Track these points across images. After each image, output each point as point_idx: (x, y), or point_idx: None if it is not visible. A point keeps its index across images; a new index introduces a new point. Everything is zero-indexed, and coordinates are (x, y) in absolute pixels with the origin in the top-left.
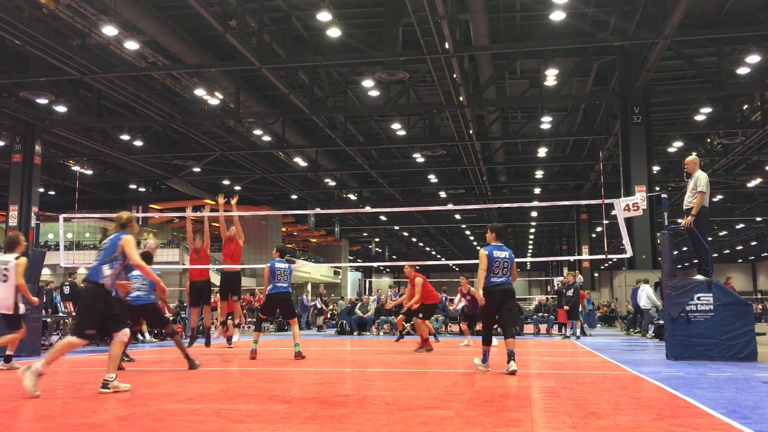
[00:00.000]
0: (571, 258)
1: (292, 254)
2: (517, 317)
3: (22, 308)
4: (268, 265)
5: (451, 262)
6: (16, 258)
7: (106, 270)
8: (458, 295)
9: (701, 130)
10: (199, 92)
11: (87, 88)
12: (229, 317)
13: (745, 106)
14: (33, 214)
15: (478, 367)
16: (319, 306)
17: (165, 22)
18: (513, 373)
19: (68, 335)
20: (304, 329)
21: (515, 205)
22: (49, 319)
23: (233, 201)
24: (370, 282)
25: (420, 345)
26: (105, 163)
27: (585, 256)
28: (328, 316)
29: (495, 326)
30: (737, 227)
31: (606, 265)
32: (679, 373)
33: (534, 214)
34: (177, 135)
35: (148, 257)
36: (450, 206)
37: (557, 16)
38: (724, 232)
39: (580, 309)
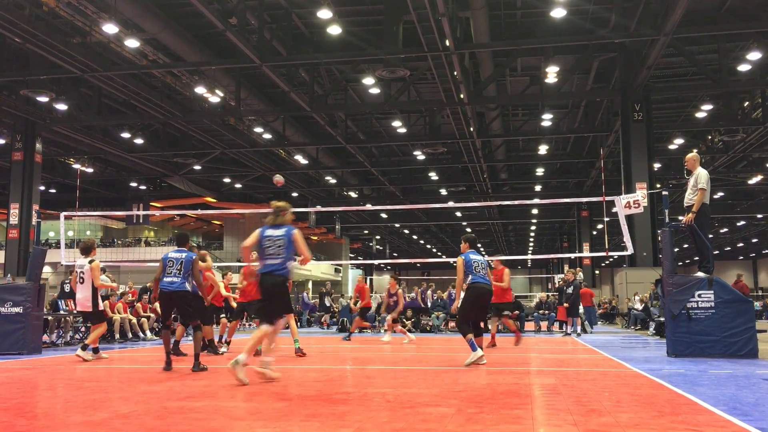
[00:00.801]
0: (572, 255)
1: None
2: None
3: (101, 305)
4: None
5: (451, 260)
6: (90, 262)
7: (291, 264)
8: (384, 293)
9: (702, 127)
10: (200, 90)
11: (87, 86)
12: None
13: (746, 103)
14: (34, 212)
15: (473, 359)
16: (327, 304)
17: (165, 19)
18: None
19: (263, 325)
20: (305, 327)
21: (516, 202)
22: (50, 317)
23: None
24: (371, 280)
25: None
26: (106, 161)
27: (586, 253)
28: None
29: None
30: (738, 224)
31: (607, 262)
32: (680, 370)
33: (535, 211)
34: (177, 133)
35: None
36: (451, 203)
37: (558, 13)
38: (725, 229)
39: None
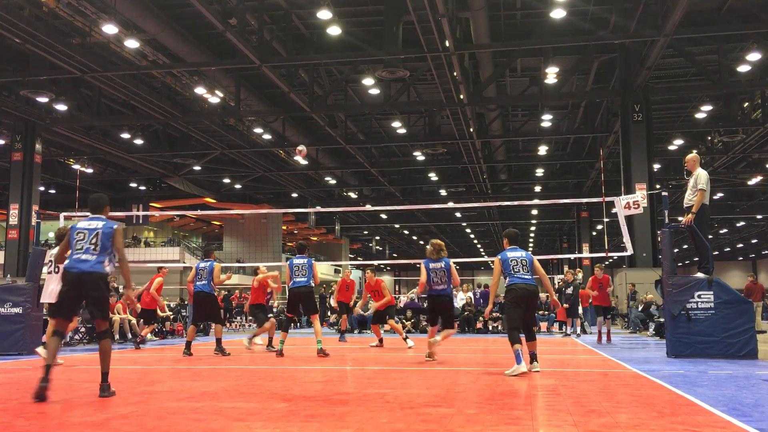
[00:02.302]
0: (572, 256)
1: (292, 253)
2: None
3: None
4: (287, 263)
5: (451, 260)
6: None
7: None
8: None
9: (702, 127)
10: (200, 90)
11: (87, 87)
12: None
13: (746, 104)
14: (33, 213)
15: (515, 372)
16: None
17: (165, 20)
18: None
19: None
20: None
21: (516, 203)
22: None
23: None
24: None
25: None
26: (105, 161)
27: (585, 254)
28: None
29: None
30: (738, 225)
31: (606, 263)
32: (680, 370)
33: (534, 212)
34: (177, 133)
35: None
36: (450, 204)
37: (558, 13)
38: (725, 230)
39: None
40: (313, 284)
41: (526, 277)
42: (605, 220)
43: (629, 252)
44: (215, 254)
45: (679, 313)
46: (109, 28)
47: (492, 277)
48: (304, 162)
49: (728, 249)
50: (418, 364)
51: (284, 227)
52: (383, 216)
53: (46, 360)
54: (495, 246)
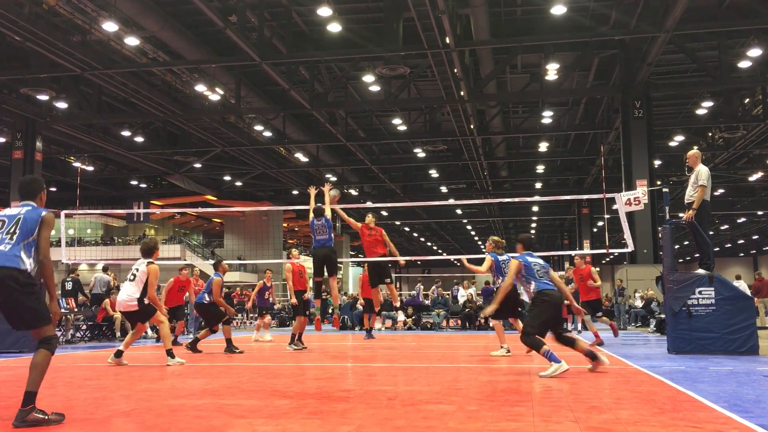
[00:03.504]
0: (573, 252)
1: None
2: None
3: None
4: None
5: (452, 257)
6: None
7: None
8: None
9: (702, 124)
10: (200, 88)
11: (87, 85)
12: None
13: (747, 100)
14: None
15: (558, 371)
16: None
17: (165, 17)
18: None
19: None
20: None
21: (516, 199)
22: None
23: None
24: None
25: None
26: (106, 159)
27: (586, 250)
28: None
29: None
30: (738, 221)
31: (607, 259)
32: (681, 367)
33: (535, 208)
34: (178, 131)
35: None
36: (451, 201)
37: (558, 10)
38: (726, 226)
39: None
40: (333, 244)
41: (551, 284)
42: (606, 216)
43: (630, 248)
44: (224, 266)
45: (680, 310)
46: (109, 26)
47: (506, 278)
48: (304, 160)
49: (729, 245)
50: (420, 361)
51: (285, 224)
52: (384, 213)
53: None
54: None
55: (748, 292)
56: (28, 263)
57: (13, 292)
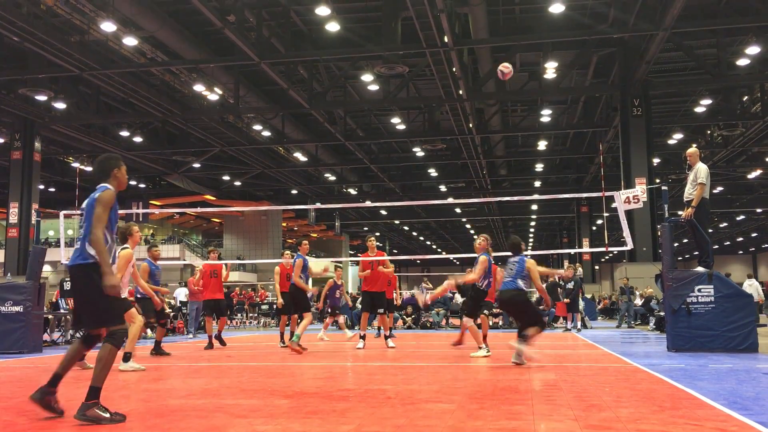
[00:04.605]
0: (572, 251)
1: (293, 249)
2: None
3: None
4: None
5: (452, 256)
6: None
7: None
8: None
9: (701, 121)
10: (198, 88)
11: (86, 85)
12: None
13: (745, 98)
14: (33, 211)
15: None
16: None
17: (163, 17)
18: None
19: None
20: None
21: (515, 198)
22: (50, 316)
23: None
24: None
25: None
26: None
27: (586, 248)
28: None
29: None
30: (738, 219)
31: (607, 257)
32: (680, 364)
33: (534, 207)
34: (176, 131)
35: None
36: (450, 200)
37: (556, 8)
38: (725, 224)
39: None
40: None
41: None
42: (605, 214)
43: (629, 246)
44: (153, 252)
45: (680, 307)
46: (108, 26)
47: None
48: (303, 159)
49: (728, 243)
50: (420, 360)
51: (284, 224)
52: (383, 212)
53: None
54: (495, 242)
55: (761, 291)
56: (90, 250)
57: (80, 288)
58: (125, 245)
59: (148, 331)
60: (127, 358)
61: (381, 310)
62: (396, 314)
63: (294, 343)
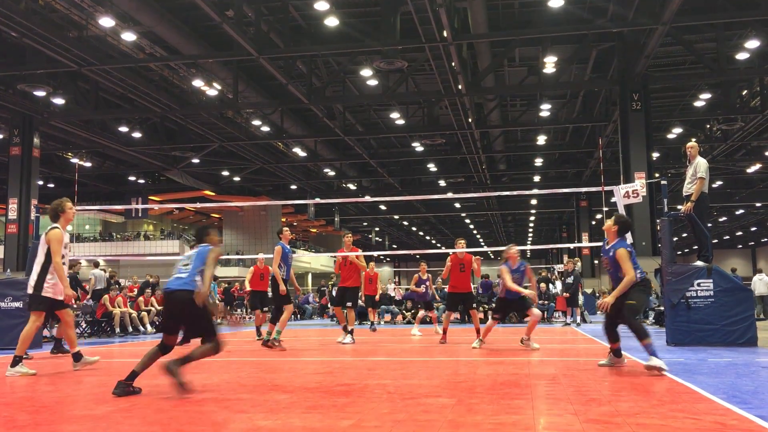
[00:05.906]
0: (571, 245)
1: (293, 244)
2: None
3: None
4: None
5: (451, 251)
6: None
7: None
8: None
9: (701, 116)
10: (197, 83)
11: (85, 80)
12: None
13: (745, 92)
14: (32, 207)
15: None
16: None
17: (162, 12)
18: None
19: None
20: (305, 320)
21: (515, 193)
22: None
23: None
24: None
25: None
26: (104, 155)
27: (585, 243)
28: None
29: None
30: (737, 213)
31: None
32: (680, 359)
33: (534, 201)
34: (175, 126)
35: None
36: (449, 195)
37: (556, 2)
38: (724, 218)
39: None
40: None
41: None
42: (604, 209)
43: (629, 241)
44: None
45: (679, 302)
46: (106, 21)
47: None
48: (303, 154)
49: (727, 237)
50: (419, 354)
51: (283, 219)
52: (382, 207)
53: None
54: (494, 236)
55: None
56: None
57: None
58: (55, 225)
59: (148, 326)
60: (16, 362)
61: (349, 304)
62: (395, 309)
63: (275, 341)
